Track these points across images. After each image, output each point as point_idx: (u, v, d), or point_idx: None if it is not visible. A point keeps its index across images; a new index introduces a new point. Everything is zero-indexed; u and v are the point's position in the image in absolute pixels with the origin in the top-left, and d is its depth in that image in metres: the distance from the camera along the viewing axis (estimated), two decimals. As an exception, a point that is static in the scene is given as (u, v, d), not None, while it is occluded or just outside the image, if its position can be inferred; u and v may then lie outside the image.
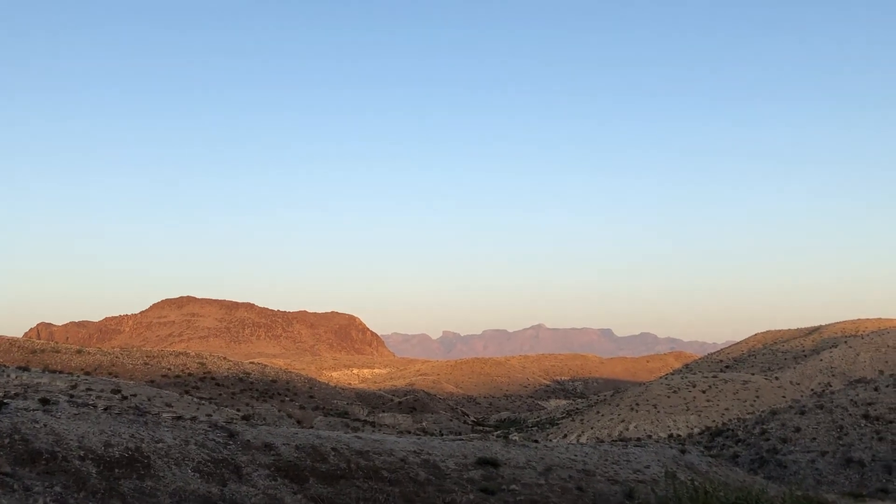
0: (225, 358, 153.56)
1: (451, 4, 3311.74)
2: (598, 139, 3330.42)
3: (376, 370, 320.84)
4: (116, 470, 19.72)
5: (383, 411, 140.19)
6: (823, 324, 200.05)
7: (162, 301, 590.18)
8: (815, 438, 55.90)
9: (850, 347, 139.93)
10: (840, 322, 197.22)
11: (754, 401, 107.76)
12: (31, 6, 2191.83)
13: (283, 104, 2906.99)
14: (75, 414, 24.57)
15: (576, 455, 35.25)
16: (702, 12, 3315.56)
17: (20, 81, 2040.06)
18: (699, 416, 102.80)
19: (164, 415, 45.69)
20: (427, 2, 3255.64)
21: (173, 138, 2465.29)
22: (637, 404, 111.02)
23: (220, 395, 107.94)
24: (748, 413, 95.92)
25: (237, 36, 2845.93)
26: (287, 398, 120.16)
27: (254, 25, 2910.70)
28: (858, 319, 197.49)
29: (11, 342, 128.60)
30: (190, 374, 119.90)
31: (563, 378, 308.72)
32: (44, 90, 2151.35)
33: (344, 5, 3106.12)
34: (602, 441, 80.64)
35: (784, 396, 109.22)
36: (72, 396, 58.18)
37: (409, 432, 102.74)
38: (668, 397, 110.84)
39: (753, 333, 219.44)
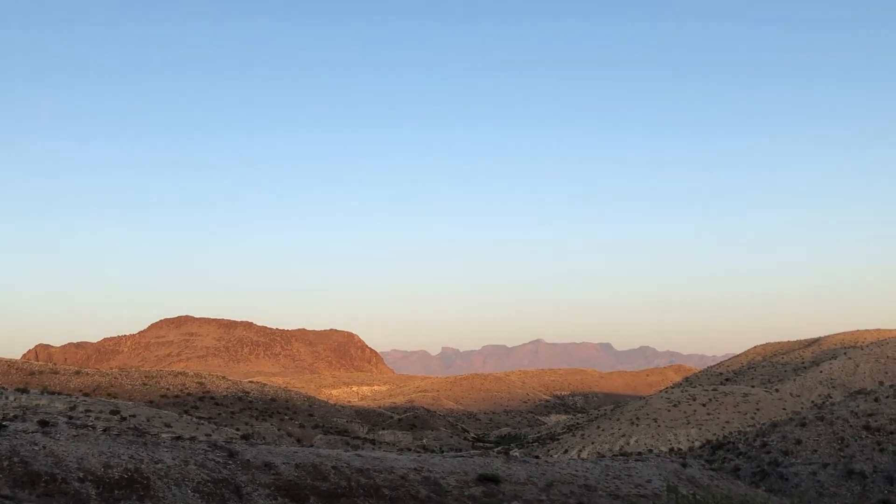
0: (224, 377, 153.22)
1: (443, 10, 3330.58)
2: (592, 152, 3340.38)
3: (376, 387, 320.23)
4: (116, 491, 19.67)
5: (383, 429, 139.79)
6: (823, 335, 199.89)
7: (160, 321, 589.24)
8: (816, 450, 55.79)
9: (850, 359, 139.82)
10: (839, 333, 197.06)
11: (755, 413, 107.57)
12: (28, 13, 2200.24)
13: (277, 121, 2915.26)
14: (74, 435, 24.53)
15: (577, 470, 35.19)
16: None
17: (17, 91, 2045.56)
18: (700, 429, 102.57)
19: (164, 435, 45.51)
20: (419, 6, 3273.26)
21: (170, 157, 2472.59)
22: (637, 418, 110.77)
23: (220, 414, 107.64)
24: (749, 426, 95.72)
25: (237, 47, 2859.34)
26: (286, 417, 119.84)
27: (256, 34, 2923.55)
28: (858, 330, 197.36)
29: (10, 364, 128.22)
30: (189, 394, 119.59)
31: (562, 393, 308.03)
32: (39, 107, 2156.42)
33: (341, 16, 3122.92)
34: (603, 456, 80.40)
35: (784, 409, 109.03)
36: (71, 418, 58.00)
37: (410, 449, 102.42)
38: (669, 411, 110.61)
39: (753, 346, 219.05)
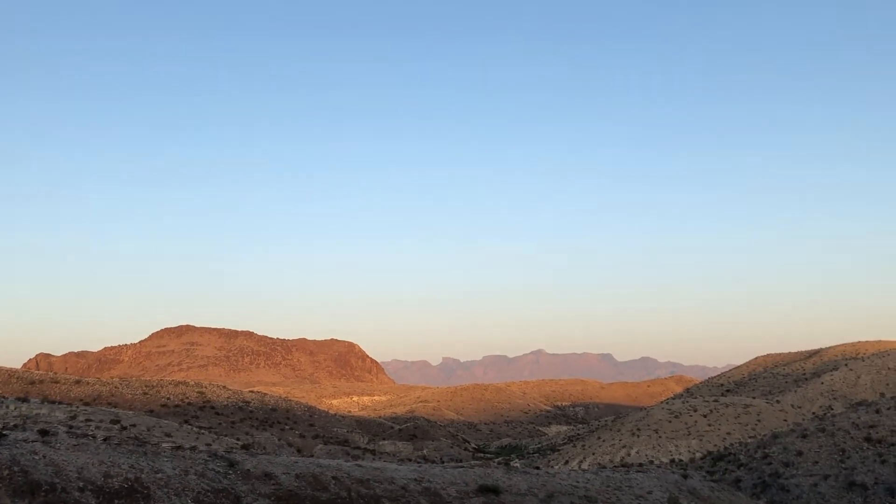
0: (224, 387, 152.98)
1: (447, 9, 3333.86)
2: (596, 161, 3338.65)
3: (376, 397, 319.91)
4: (116, 501, 19.65)
5: (384, 439, 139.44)
6: (823, 346, 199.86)
7: (161, 330, 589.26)
8: (817, 462, 55.64)
9: (851, 370, 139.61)
10: (840, 345, 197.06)
11: (756, 424, 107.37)
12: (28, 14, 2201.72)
13: (280, 132, 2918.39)
14: (74, 445, 24.51)
15: (577, 481, 35.10)
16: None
17: (16, 96, 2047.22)
18: (701, 440, 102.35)
19: (164, 445, 45.43)
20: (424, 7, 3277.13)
21: (172, 166, 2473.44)
22: (638, 429, 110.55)
23: (220, 424, 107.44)
24: (750, 437, 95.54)
25: (242, 46, 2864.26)
26: (287, 427, 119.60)
27: (260, 36, 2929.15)
28: (858, 342, 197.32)
29: (10, 373, 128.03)
30: (189, 404, 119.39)
31: (563, 403, 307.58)
32: (37, 113, 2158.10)
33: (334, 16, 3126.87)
34: (604, 467, 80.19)
35: (785, 420, 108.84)
36: (71, 427, 57.90)
37: (410, 460, 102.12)
38: (670, 422, 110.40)
39: (754, 357, 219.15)
